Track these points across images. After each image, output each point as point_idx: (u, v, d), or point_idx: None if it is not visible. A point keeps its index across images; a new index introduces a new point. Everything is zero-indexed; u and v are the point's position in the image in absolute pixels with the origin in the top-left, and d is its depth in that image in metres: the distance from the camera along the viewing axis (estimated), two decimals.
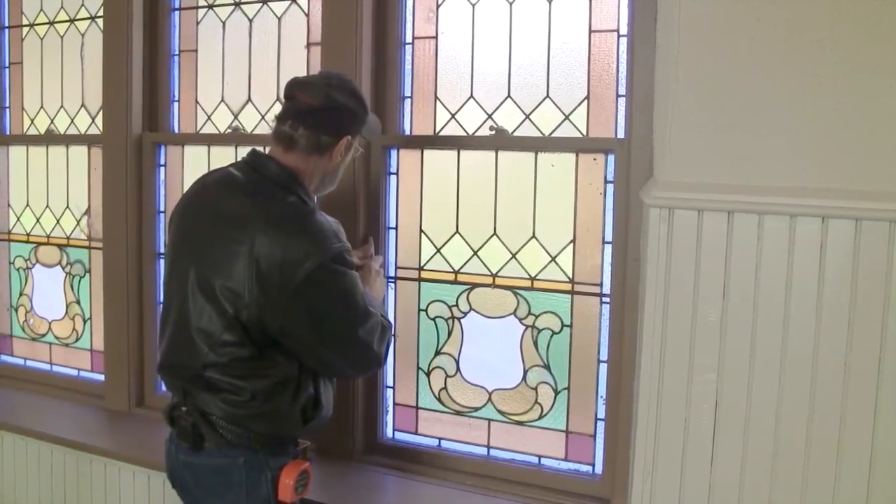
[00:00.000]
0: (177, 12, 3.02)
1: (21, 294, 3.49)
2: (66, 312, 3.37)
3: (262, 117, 2.86)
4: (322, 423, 2.09)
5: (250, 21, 2.86)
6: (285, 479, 1.99)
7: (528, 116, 2.44)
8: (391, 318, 2.64)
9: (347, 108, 2.04)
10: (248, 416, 1.95)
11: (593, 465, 2.43)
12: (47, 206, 3.37)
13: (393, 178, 2.62)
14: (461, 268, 2.55)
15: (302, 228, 1.93)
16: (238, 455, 1.97)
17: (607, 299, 2.35)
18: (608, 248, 2.33)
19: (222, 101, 2.95)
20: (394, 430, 2.71)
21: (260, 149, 2.10)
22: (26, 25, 3.38)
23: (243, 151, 2.79)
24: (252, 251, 1.88)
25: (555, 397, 2.46)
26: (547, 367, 2.46)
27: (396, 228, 2.63)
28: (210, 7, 2.95)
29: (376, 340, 2.03)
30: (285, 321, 1.90)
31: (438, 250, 2.58)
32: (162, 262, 3.05)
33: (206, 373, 1.94)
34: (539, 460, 2.50)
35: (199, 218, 2.05)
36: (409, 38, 2.60)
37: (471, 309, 2.55)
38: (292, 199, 1.99)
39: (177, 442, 2.06)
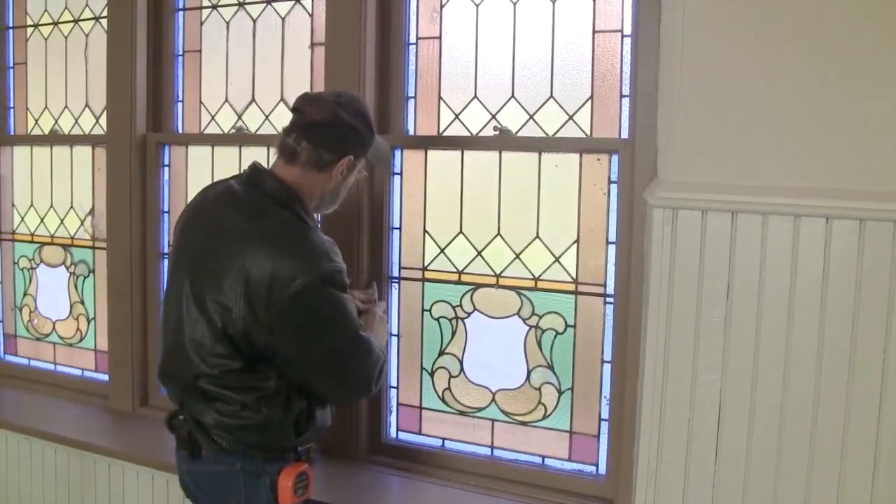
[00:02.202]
0: (181, 13, 3.02)
1: (25, 294, 3.50)
2: (70, 312, 3.37)
3: (266, 117, 2.86)
4: (317, 433, 2.10)
5: (254, 21, 2.87)
6: (283, 481, 1.99)
7: (531, 117, 2.44)
8: (394, 318, 2.65)
9: (352, 126, 2.03)
10: (240, 426, 1.95)
11: (597, 466, 2.43)
12: (51, 206, 3.38)
13: (397, 178, 2.62)
14: (465, 268, 2.55)
15: (294, 246, 1.92)
16: (235, 461, 1.97)
17: (611, 300, 2.34)
18: (612, 249, 2.33)
19: (226, 101, 2.95)
20: (397, 430, 2.71)
21: (261, 162, 2.10)
22: (30, 26, 3.39)
23: (247, 152, 2.84)
24: (243, 267, 1.88)
25: (558, 397, 2.46)
26: (550, 367, 2.46)
27: (400, 229, 2.63)
28: (214, 7, 2.95)
29: (366, 367, 2.01)
30: (270, 339, 1.90)
31: (442, 250, 2.58)
32: (166, 262, 3.05)
33: (199, 383, 1.94)
34: (543, 460, 2.50)
35: (198, 230, 2.06)
36: (412, 39, 2.60)
37: (474, 309, 2.55)
38: (288, 215, 1.99)
39: (179, 451, 2.07)
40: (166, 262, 3.04)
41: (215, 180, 2.23)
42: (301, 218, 2.01)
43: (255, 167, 2.08)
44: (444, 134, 2.57)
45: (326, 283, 1.90)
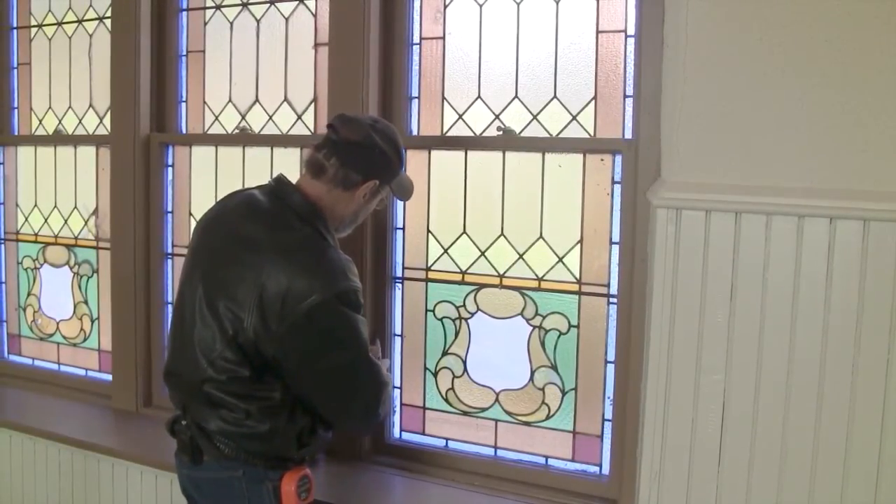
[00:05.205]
0: (184, 13, 3.03)
1: (29, 294, 3.50)
2: (74, 312, 3.38)
3: (270, 118, 2.86)
4: (320, 447, 2.10)
5: (258, 21, 2.87)
6: (286, 486, 1.99)
7: (535, 117, 2.44)
8: (397, 318, 2.65)
9: (383, 152, 2.04)
10: (243, 434, 1.95)
11: (600, 466, 2.43)
12: (55, 206, 3.38)
13: None
14: (468, 268, 2.55)
15: (312, 261, 1.93)
16: (237, 467, 1.97)
17: (614, 300, 2.34)
18: (615, 249, 2.33)
19: (230, 101, 2.95)
20: (401, 430, 2.71)
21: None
22: (35, 26, 3.39)
23: (251, 152, 2.84)
24: (259, 278, 1.88)
25: (562, 398, 2.46)
26: (554, 367, 2.46)
27: (404, 229, 2.63)
28: (218, 8, 2.95)
29: (372, 390, 2.00)
30: (278, 352, 1.90)
31: (446, 251, 2.58)
32: (169, 262, 3.06)
33: (205, 387, 1.95)
34: (546, 461, 2.50)
35: (216, 236, 2.06)
36: (416, 39, 2.60)
37: (478, 309, 2.55)
38: (308, 230, 1.99)
39: (179, 456, 2.08)
40: (171, 262, 3.06)
41: (238, 188, 2.24)
42: (321, 234, 2.01)
43: (280, 179, 2.09)
44: (448, 134, 2.57)
45: (341, 302, 1.90)
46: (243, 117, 2.93)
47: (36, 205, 3.44)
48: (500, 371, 2.55)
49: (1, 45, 3.46)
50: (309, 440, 2.04)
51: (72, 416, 3.12)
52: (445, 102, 2.58)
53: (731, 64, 1.94)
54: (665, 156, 2.05)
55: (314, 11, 2.76)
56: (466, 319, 2.57)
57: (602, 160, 2.34)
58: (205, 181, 2.97)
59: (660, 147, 2.06)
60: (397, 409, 2.69)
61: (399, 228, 2.64)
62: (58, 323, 3.43)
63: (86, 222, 3.31)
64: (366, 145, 2.02)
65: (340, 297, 1.90)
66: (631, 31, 2.29)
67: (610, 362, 2.37)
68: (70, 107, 3.32)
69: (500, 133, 2.47)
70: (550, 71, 2.41)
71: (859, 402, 1.85)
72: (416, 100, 2.62)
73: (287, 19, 2.81)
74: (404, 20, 2.58)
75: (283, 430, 1.97)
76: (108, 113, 3.13)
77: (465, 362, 2.58)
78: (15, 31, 3.46)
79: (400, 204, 2.61)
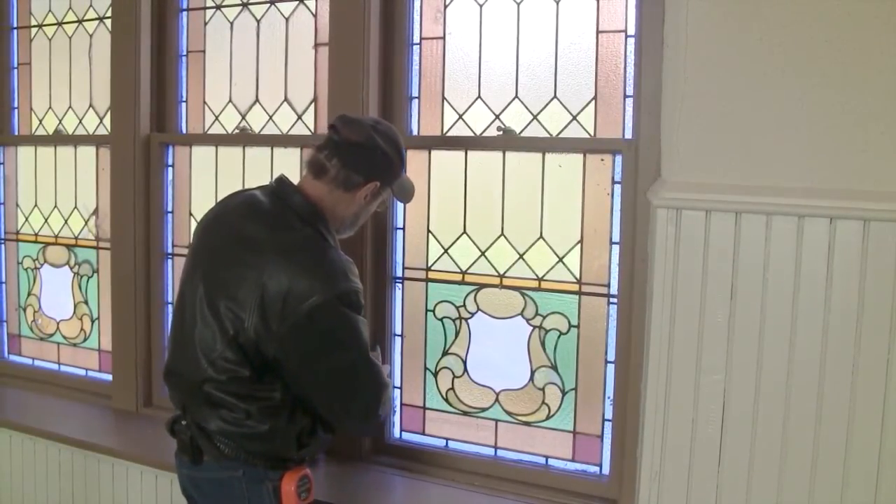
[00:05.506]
0: (185, 13, 3.03)
1: (29, 294, 3.50)
2: (74, 312, 3.38)
3: (270, 118, 2.86)
4: (320, 448, 2.10)
5: (258, 22, 2.87)
6: (286, 486, 1.99)
7: (535, 117, 2.44)
8: (398, 318, 2.66)
9: (385, 153, 2.04)
10: (243, 435, 1.95)
11: (600, 466, 2.43)
12: (55, 206, 3.38)
13: None
14: (468, 268, 2.55)
15: (312, 262, 1.93)
16: (237, 467, 1.97)
17: (615, 300, 2.34)
18: (615, 249, 2.33)
19: (230, 101, 2.95)
20: (401, 430, 2.71)
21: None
22: (35, 26, 3.39)
23: (251, 152, 2.84)
24: (260, 278, 1.88)
25: (562, 398, 2.46)
26: (554, 367, 2.46)
27: (404, 229, 2.64)
28: (218, 8, 2.95)
29: (372, 390, 2.00)
30: (279, 352, 1.90)
31: (446, 251, 2.58)
32: (169, 262, 3.06)
33: (205, 387, 1.95)
34: (546, 461, 2.50)
35: (217, 236, 2.06)
36: (416, 39, 2.60)
37: (478, 309, 2.55)
38: (309, 231, 1.99)
39: (179, 456, 2.08)
40: (171, 262, 3.06)
41: (239, 188, 2.24)
42: (322, 235, 2.01)
43: (281, 180, 2.09)
44: (448, 134, 2.57)
45: (342, 303, 1.91)
46: (243, 117, 2.93)
47: (36, 205, 3.44)
48: (500, 371, 2.55)
49: (1, 45, 3.46)
50: (309, 440, 2.04)
51: (72, 416, 3.12)
52: (445, 102, 2.58)
53: (731, 64, 1.94)
54: (665, 156, 2.05)
55: (314, 11, 2.76)
56: (466, 319, 2.57)
57: (602, 160, 2.34)
58: (205, 181, 2.97)
59: (660, 147, 2.06)
60: (397, 409, 2.69)
61: (399, 228, 2.64)
62: (58, 323, 3.43)
63: (86, 222, 3.31)
64: (367, 146, 2.02)
65: (341, 297, 1.90)
66: (631, 31, 2.29)
67: (610, 362, 2.37)
68: (70, 107, 3.32)
69: (500, 133, 2.47)
70: (550, 71, 2.41)
71: (859, 402, 1.85)
72: (416, 100, 2.62)
73: (287, 19, 2.81)
74: (404, 20, 2.58)
75: (283, 431, 1.97)
76: (108, 113, 3.13)
77: (465, 362, 2.58)
78: (15, 31, 3.46)
79: (400, 204, 2.61)
